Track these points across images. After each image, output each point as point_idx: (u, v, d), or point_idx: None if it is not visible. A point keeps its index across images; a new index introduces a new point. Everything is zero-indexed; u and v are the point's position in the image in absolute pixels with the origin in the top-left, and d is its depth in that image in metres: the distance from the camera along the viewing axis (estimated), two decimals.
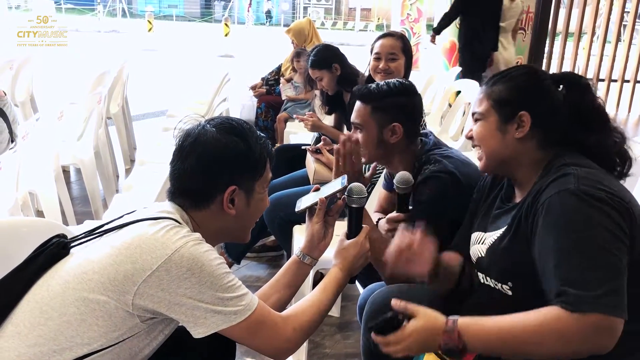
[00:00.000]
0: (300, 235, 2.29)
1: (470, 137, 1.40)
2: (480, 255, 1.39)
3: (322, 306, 1.32)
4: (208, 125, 1.26)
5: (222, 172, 1.23)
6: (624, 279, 1.09)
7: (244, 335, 1.17)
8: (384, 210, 1.91)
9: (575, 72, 7.71)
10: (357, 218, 1.47)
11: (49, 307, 1.11)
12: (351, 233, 1.45)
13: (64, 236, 1.25)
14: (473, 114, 1.39)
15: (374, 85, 1.75)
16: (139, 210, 1.26)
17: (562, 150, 1.28)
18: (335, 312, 2.55)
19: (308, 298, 1.32)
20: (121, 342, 1.12)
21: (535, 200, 1.21)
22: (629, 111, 7.95)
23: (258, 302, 1.19)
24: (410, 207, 1.70)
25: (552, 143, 1.30)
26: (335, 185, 1.46)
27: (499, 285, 1.33)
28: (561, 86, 1.32)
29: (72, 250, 1.21)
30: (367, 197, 1.56)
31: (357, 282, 1.97)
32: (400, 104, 1.72)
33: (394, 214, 1.69)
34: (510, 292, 1.30)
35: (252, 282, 2.82)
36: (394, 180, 1.66)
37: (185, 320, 1.13)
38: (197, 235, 1.17)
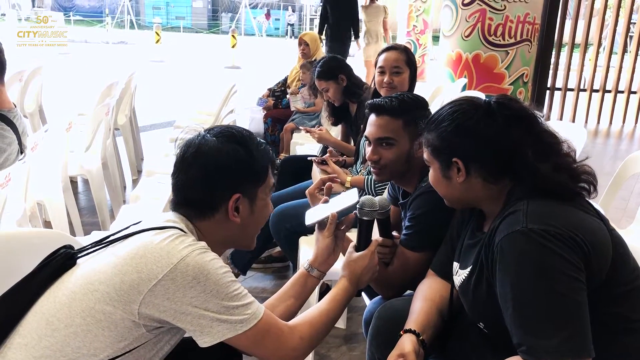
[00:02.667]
0: (306, 247, 2.29)
1: None
2: (457, 289, 1.40)
3: (330, 316, 1.32)
4: (208, 135, 1.26)
5: (225, 181, 1.24)
6: (584, 317, 1.09)
7: (250, 345, 1.17)
8: None
9: (582, 83, 7.74)
10: (367, 231, 1.48)
11: (56, 318, 1.11)
12: (360, 246, 1.46)
13: (70, 247, 1.25)
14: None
15: (396, 98, 1.71)
16: (145, 221, 1.27)
17: (518, 180, 1.24)
18: (341, 324, 2.54)
19: (316, 308, 1.32)
20: (128, 353, 1.12)
21: (491, 239, 1.20)
22: (636, 123, 7.92)
23: (264, 311, 1.18)
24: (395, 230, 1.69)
25: (502, 173, 1.26)
26: (349, 199, 1.46)
27: (475, 322, 1.34)
28: (497, 113, 1.27)
29: (78, 261, 1.22)
30: (378, 211, 1.56)
31: (363, 294, 1.97)
32: (425, 117, 1.71)
33: (378, 238, 1.65)
34: (486, 331, 1.31)
35: (258, 293, 2.82)
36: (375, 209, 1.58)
37: (192, 330, 1.13)
38: (203, 243, 1.17)
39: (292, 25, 26.36)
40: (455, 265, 1.41)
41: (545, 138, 1.28)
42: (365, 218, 1.48)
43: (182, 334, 1.22)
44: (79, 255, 1.23)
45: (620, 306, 1.19)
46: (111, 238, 1.22)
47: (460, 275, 1.36)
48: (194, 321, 1.11)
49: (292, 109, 4.69)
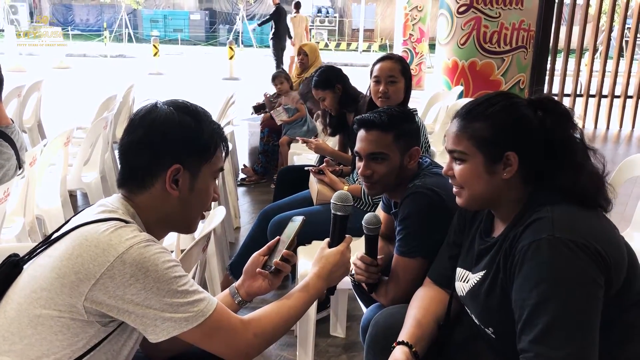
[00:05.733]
0: (303, 257, 2.30)
1: (451, 176, 1.33)
2: (462, 294, 1.39)
3: (290, 312, 1.27)
4: (160, 103, 1.24)
5: (168, 147, 1.19)
6: (595, 333, 1.09)
7: (199, 341, 1.13)
8: (382, 233, 1.92)
9: (578, 88, 7.77)
10: (340, 227, 1.45)
11: (10, 333, 1.09)
12: (333, 242, 1.44)
13: (15, 255, 1.21)
14: (451, 152, 1.31)
15: (385, 113, 1.73)
16: (85, 211, 1.22)
17: (541, 186, 1.24)
18: (340, 332, 2.55)
19: (276, 303, 1.28)
20: (94, 349, 1.10)
21: (513, 246, 1.19)
22: (633, 127, 7.95)
23: (216, 306, 1.14)
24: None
25: (535, 177, 1.25)
26: (293, 228, 1.43)
27: (482, 327, 1.33)
28: (539, 112, 1.26)
29: (25, 266, 1.17)
30: (354, 207, 1.53)
31: (360, 301, 1.97)
32: (414, 128, 1.77)
33: (364, 255, 1.65)
34: (493, 336, 1.30)
35: (258, 303, 2.79)
36: (363, 222, 1.59)
37: (138, 327, 1.10)
38: (143, 236, 1.12)
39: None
40: (461, 271, 1.40)
41: (582, 144, 1.26)
42: (339, 213, 1.45)
43: None
44: (27, 259, 1.18)
45: (629, 315, 1.19)
46: (53, 237, 1.17)
47: (469, 280, 1.35)
48: (137, 320, 1.08)
49: (278, 123, 4.71)
